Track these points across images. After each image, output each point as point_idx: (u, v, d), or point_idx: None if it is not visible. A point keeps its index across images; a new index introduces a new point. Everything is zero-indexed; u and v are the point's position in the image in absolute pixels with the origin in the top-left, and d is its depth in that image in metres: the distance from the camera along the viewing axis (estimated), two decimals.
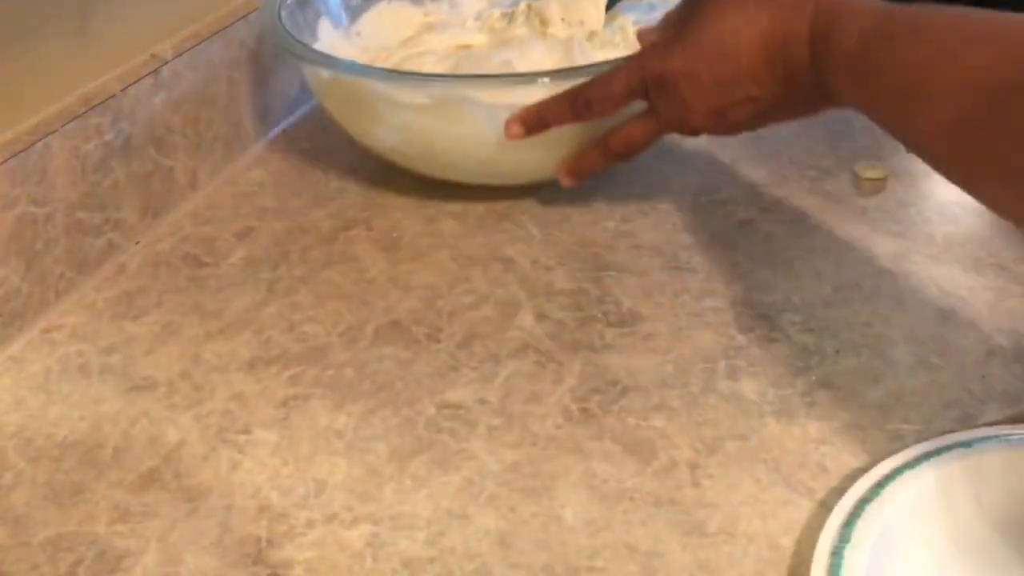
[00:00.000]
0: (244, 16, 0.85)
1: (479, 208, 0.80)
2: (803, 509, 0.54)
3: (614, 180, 0.82)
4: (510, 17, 0.89)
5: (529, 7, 0.89)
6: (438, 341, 0.67)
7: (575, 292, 0.71)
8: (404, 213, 0.80)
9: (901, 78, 0.55)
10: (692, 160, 0.84)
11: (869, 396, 0.61)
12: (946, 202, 0.77)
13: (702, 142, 0.86)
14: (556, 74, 0.75)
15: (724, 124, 0.70)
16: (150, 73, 0.77)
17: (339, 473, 0.58)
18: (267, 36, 0.84)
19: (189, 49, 0.80)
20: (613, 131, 0.74)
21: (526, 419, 0.61)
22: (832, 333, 0.66)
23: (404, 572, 0.52)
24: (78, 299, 0.71)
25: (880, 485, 0.52)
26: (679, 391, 0.62)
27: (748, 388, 0.62)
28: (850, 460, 0.57)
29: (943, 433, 0.57)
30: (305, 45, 0.79)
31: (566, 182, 0.78)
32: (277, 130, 0.91)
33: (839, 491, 0.54)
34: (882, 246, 0.73)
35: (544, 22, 0.88)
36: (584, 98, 0.73)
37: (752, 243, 0.75)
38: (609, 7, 0.89)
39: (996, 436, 0.55)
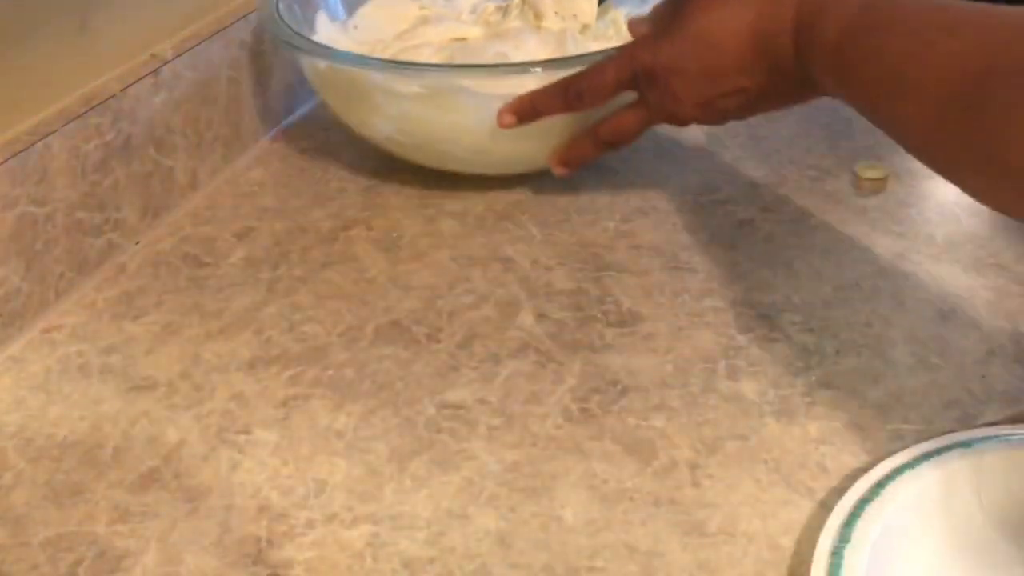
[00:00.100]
0: (244, 16, 0.85)
1: (479, 208, 0.80)
2: (803, 509, 0.54)
3: (614, 180, 0.82)
4: (504, 11, 0.90)
5: (523, 1, 0.90)
6: (438, 341, 0.67)
7: (575, 292, 0.71)
8: (404, 213, 0.80)
9: (880, 68, 0.56)
10: (692, 160, 0.84)
11: (869, 396, 0.61)
12: (946, 202, 0.77)
13: (702, 142, 0.86)
14: (548, 64, 0.77)
15: (713, 114, 0.71)
16: (150, 73, 0.77)
17: (339, 473, 0.58)
18: (265, 28, 0.84)
19: (189, 49, 0.80)
20: (604, 121, 0.76)
21: (526, 419, 0.61)
22: (832, 333, 0.66)
23: (404, 572, 0.52)
24: (78, 299, 0.72)
25: (880, 485, 0.52)
26: (679, 391, 0.62)
27: (748, 388, 0.62)
28: (850, 460, 0.57)
29: (943, 433, 0.57)
30: (302, 36, 0.81)
31: (558, 171, 0.79)
32: (277, 130, 0.91)
33: (839, 491, 0.54)
34: (882, 246, 0.73)
35: (538, 15, 0.89)
36: (575, 88, 0.74)
37: (752, 243, 0.75)
38: (602, 1, 0.90)
39: (996, 436, 0.55)
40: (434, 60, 0.83)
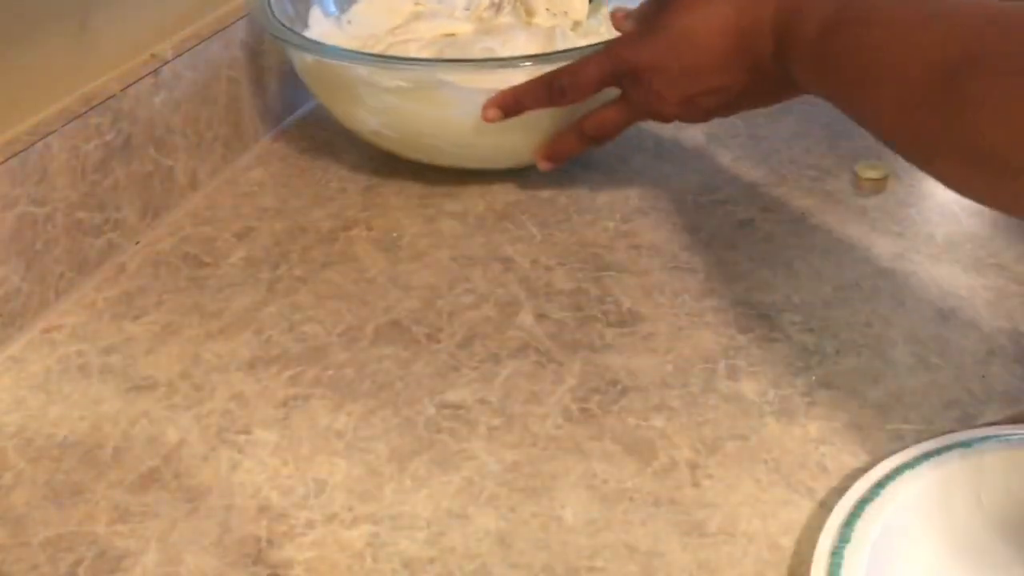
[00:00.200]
0: (244, 16, 0.85)
1: (479, 208, 0.80)
2: (803, 509, 0.54)
3: (614, 180, 0.82)
4: (498, 7, 0.91)
5: None
6: (438, 341, 0.67)
7: (575, 292, 0.71)
8: (404, 213, 0.80)
9: (858, 61, 0.57)
10: (692, 160, 0.84)
11: (869, 396, 0.61)
12: (946, 202, 0.77)
13: (702, 142, 0.86)
14: (529, 59, 0.78)
15: (695, 112, 0.72)
16: (150, 73, 0.77)
17: (339, 473, 0.58)
18: (255, 21, 0.84)
19: (189, 49, 0.80)
20: (587, 116, 0.77)
21: (526, 419, 0.61)
22: (832, 333, 0.66)
23: (404, 572, 0.52)
24: (78, 299, 0.71)
25: (880, 485, 0.52)
26: (679, 391, 0.62)
27: (748, 388, 0.62)
28: (850, 460, 0.57)
29: (943, 433, 0.57)
30: (290, 29, 0.81)
31: (542, 165, 0.80)
32: (277, 130, 0.91)
33: (839, 491, 0.54)
34: (882, 246, 0.73)
35: (529, 12, 0.90)
36: (559, 83, 0.75)
37: (752, 243, 0.75)
38: None
39: (996, 436, 0.55)
40: (422, 55, 0.84)
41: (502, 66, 0.78)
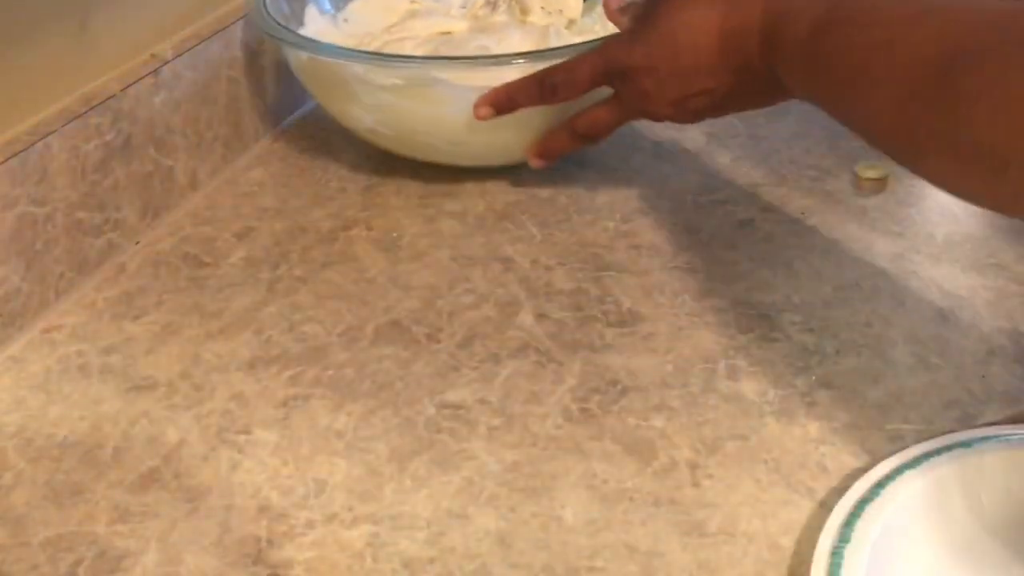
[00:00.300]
0: (244, 16, 0.85)
1: (479, 208, 0.80)
2: (803, 509, 0.54)
3: (614, 180, 0.82)
4: (493, 5, 0.91)
5: None
6: (438, 341, 0.67)
7: (575, 292, 0.71)
8: (404, 213, 0.80)
9: (847, 63, 0.57)
10: (692, 160, 0.84)
11: (869, 396, 0.61)
12: (946, 202, 0.77)
13: (702, 142, 0.86)
14: (520, 57, 0.78)
15: (686, 113, 0.72)
16: (150, 73, 0.77)
17: (339, 473, 0.58)
18: (250, 20, 0.85)
19: (189, 49, 0.80)
20: (579, 114, 0.77)
21: (526, 419, 0.61)
22: (832, 333, 0.66)
23: (404, 572, 0.52)
24: (78, 299, 0.71)
25: (880, 485, 0.52)
26: (679, 391, 0.62)
27: (748, 388, 0.62)
28: (850, 460, 0.57)
29: (943, 433, 0.57)
30: (284, 27, 0.82)
31: (534, 163, 0.80)
32: (277, 130, 0.91)
33: (839, 491, 0.54)
34: (882, 246, 0.73)
35: (524, 10, 0.90)
36: (550, 81, 0.75)
37: (752, 243, 0.75)
38: None
39: (996, 436, 0.55)
40: (418, 53, 0.84)
41: (495, 63, 0.78)
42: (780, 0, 0.63)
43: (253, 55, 0.87)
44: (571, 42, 0.82)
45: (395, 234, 0.77)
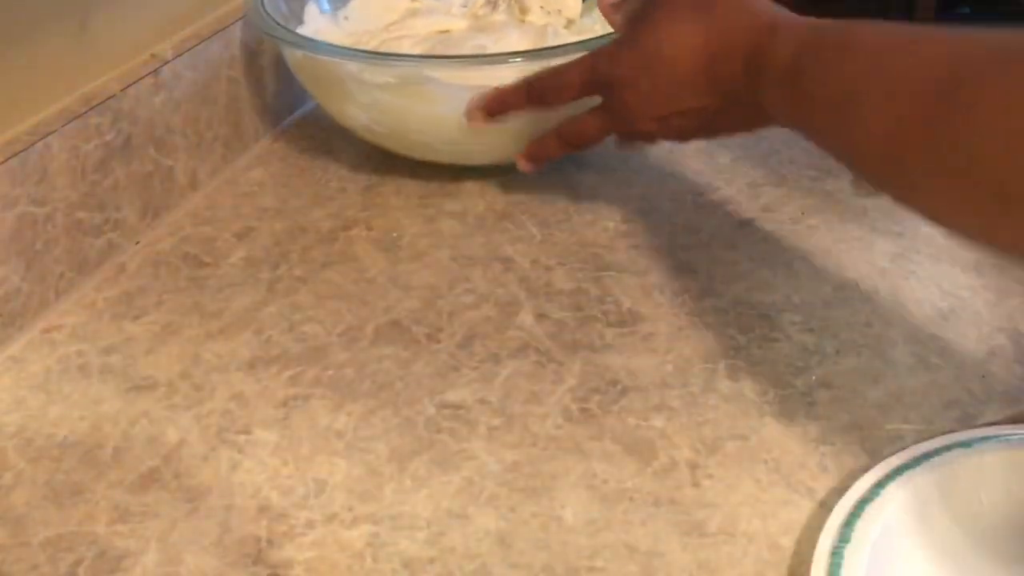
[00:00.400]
0: (244, 16, 0.85)
1: (479, 208, 0.80)
2: (803, 509, 0.54)
3: (614, 180, 0.82)
4: (493, 4, 0.91)
5: None
6: (438, 341, 0.67)
7: (575, 292, 0.71)
8: (404, 213, 0.80)
9: (834, 90, 0.55)
10: (692, 160, 0.84)
11: (869, 396, 0.61)
12: None
13: (702, 142, 0.86)
14: (513, 56, 0.78)
15: (670, 132, 0.71)
16: (150, 73, 0.77)
17: (339, 473, 0.58)
18: (249, 19, 0.85)
19: (189, 49, 0.80)
20: (567, 121, 0.76)
21: (526, 419, 0.61)
22: (832, 333, 0.66)
23: (404, 572, 0.52)
24: (78, 299, 0.71)
25: (880, 485, 0.52)
26: (679, 391, 0.62)
27: (748, 388, 0.62)
28: (850, 460, 0.57)
29: (943, 433, 0.57)
30: (282, 26, 0.82)
31: (523, 166, 0.79)
32: (277, 130, 0.91)
33: (839, 491, 0.54)
34: (882, 246, 0.73)
35: (523, 10, 0.91)
36: (538, 88, 0.74)
37: (752, 243, 0.75)
38: None
39: (996, 436, 0.55)
40: (415, 51, 0.84)
41: (488, 63, 0.79)
42: (766, 24, 0.61)
43: (253, 55, 0.87)
44: (568, 42, 0.82)
45: (395, 234, 0.77)
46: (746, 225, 0.77)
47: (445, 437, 0.60)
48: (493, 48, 0.83)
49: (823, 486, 0.56)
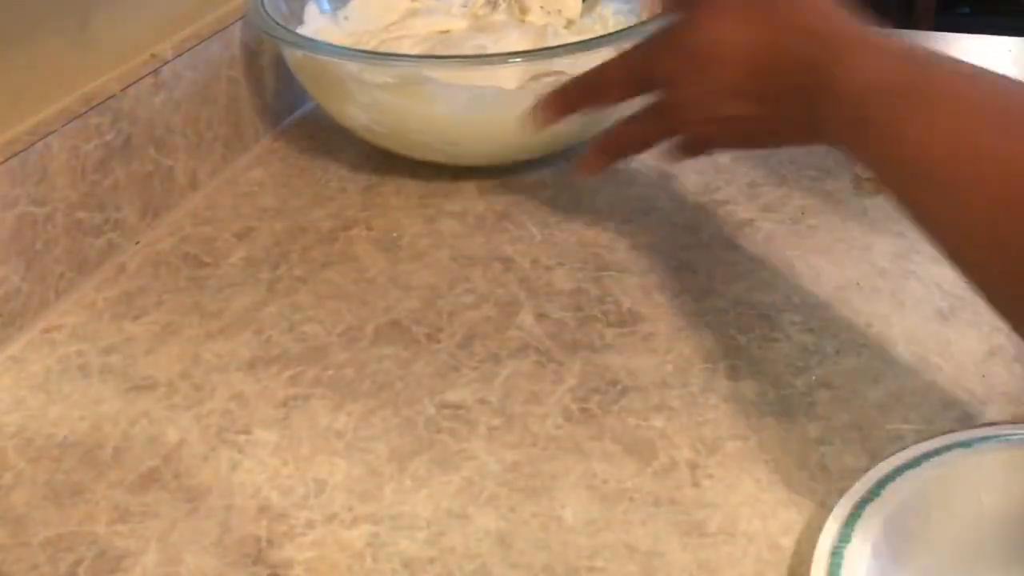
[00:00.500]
0: (244, 16, 0.85)
1: (479, 208, 0.80)
2: (803, 509, 0.54)
3: (614, 180, 0.82)
4: (493, 4, 0.91)
5: None
6: (438, 341, 0.67)
7: (575, 292, 0.71)
8: (404, 213, 0.80)
9: (915, 151, 0.48)
10: (692, 160, 0.84)
11: (869, 396, 0.61)
12: None
13: None
14: (512, 56, 0.78)
15: (730, 137, 0.64)
16: (150, 73, 0.77)
17: (339, 473, 0.58)
18: (249, 19, 0.85)
19: (189, 49, 0.80)
20: (616, 125, 0.71)
21: (526, 419, 0.61)
22: (832, 333, 0.66)
23: (404, 572, 0.52)
24: (78, 299, 0.71)
25: (880, 485, 0.52)
26: (679, 391, 0.62)
27: (748, 388, 0.62)
28: (850, 460, 0.57)
29: (943, 433, 0.57)
30: (282, 26, 0.82)
31: (583, 175, 0.77)
32: (277, 130, 0.91)
33: (839, 491, 0.53)
34: (882, 246, 0.73)
35: (523, 10, 0.91)
36: (586, 83, 0.69)
37: (752, 243, 0.75)
38: None
39: (996, 436, 0.55)
40: (415, 51, 0.84)
41: (488, 63, 0.79)
42: (835, 33, 0.54)
43: (253, 55, 0.87)
44: (568, 42, 0.82)
45: (395, 234, 0.77)
46: (746, 225, 0.77)
47: (445, 437, 0.60)
48: (493, 48, 0.83)
49: (823, 486, 0.56)
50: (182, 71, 0.80)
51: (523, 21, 0.90)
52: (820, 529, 0.51)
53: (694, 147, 0.68)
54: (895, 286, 0.70)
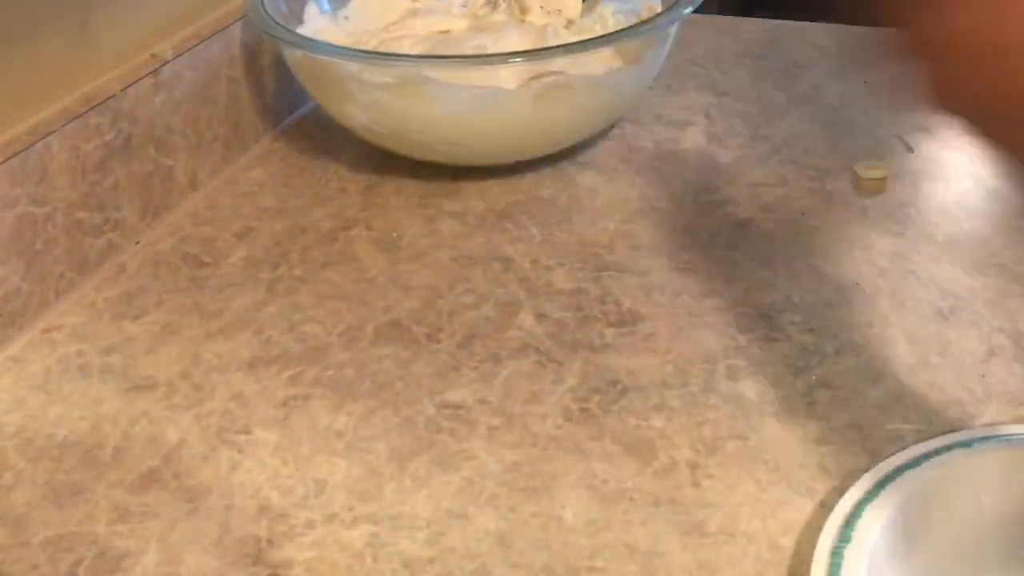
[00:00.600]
0: (244, 16, 0.85)
1: (479, 208, 0.80)
2: (803, 509, 0.54)
3: (614, 180, 0.82)
4: (493, 4, 0.91)
5: None
6: (438, 341, 0.67)
7: (575, 292, 0.71)
8: (404, 213, 0.80)
9: None
10: (692, 160, 0.84)
11: (869, 396, 0.61)
12: (946, 202, 0.77)
13: (702, 142, 0.86)
14: (512, 56, 0.78)
15: None
16: (150, 73, 0.77)
17: (339, 473, 0.58)
18: (249, 19, 0.85)
19: (189, 49, 0.80)
20: None
21: (526, 419, 0.61)
22: (832, 333, 0.66)
23: (404, 572, 0.52)
24: (78, 299, 0.71)
25: (880, 485, 0.52)
26: (679, 391, 0.62)
27: (748, 388, 0.62)
28: (850, 460, 0.57)
29: (943, 433, 0.57)
30: (280, 25, 0.82)
31: None
32: (277, 130, 0.91)
33: (839, 491, 0.54)
34: (882, 246, 0.73)
35: (523, 10, 0.91)
36: None
37: (752, 243, 0.75)
38: None
39: (996, 436, 0.55)
40: (414, 51, 0.84)
41: (488, 63, 0.79)
42: None
43: (253, 55, 0.87)
44: (568, 42, 0.82)
45: (395, 234, 0.77)
46: (746, 225, 0.77)
47: (445, 437, 0.60)
48: (493, 48, 0.83)
49: (823, 486, 0.56)
50: (182, 71, 0.80)
51: (523, 21, 0.90)
52: (820, 529, 0.51)
53: None
54: (895, 286, 0.70)
